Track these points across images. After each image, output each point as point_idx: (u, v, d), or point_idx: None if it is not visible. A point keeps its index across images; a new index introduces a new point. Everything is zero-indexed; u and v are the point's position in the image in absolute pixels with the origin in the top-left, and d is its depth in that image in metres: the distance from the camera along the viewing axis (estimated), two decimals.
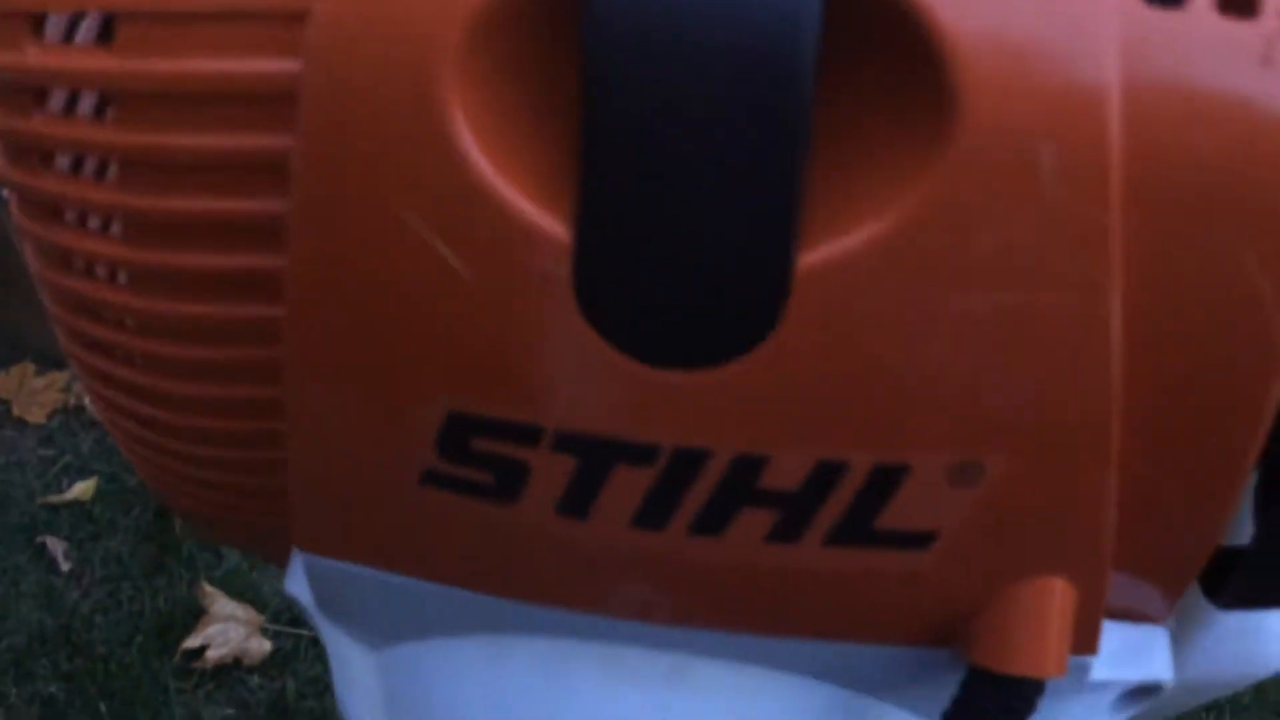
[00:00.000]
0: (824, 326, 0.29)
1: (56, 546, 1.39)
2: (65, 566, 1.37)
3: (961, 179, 0.28)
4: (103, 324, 0.36)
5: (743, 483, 0.32)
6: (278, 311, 0.33)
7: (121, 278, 0.35)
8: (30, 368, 1.55)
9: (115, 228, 0.34)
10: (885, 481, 0.31)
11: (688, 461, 0.32)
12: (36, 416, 1.52)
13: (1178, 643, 0.41)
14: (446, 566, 0.37)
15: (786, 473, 0.32)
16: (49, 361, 1.54)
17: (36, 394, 1.54)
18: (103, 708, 1.23)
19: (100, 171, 0.34)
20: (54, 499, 1.43)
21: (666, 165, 0.28)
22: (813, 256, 0.29)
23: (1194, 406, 0.31)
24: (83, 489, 1.44)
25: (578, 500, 0.33)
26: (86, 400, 1.49)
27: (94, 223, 0.35)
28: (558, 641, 0.38)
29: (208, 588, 1.33)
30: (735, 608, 0.36)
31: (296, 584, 0.41)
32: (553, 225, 0.30)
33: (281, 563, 0.43)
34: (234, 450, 0.37)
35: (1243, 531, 0.37)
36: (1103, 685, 0.38)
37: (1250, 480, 0.34)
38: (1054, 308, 0.29)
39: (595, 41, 0.28)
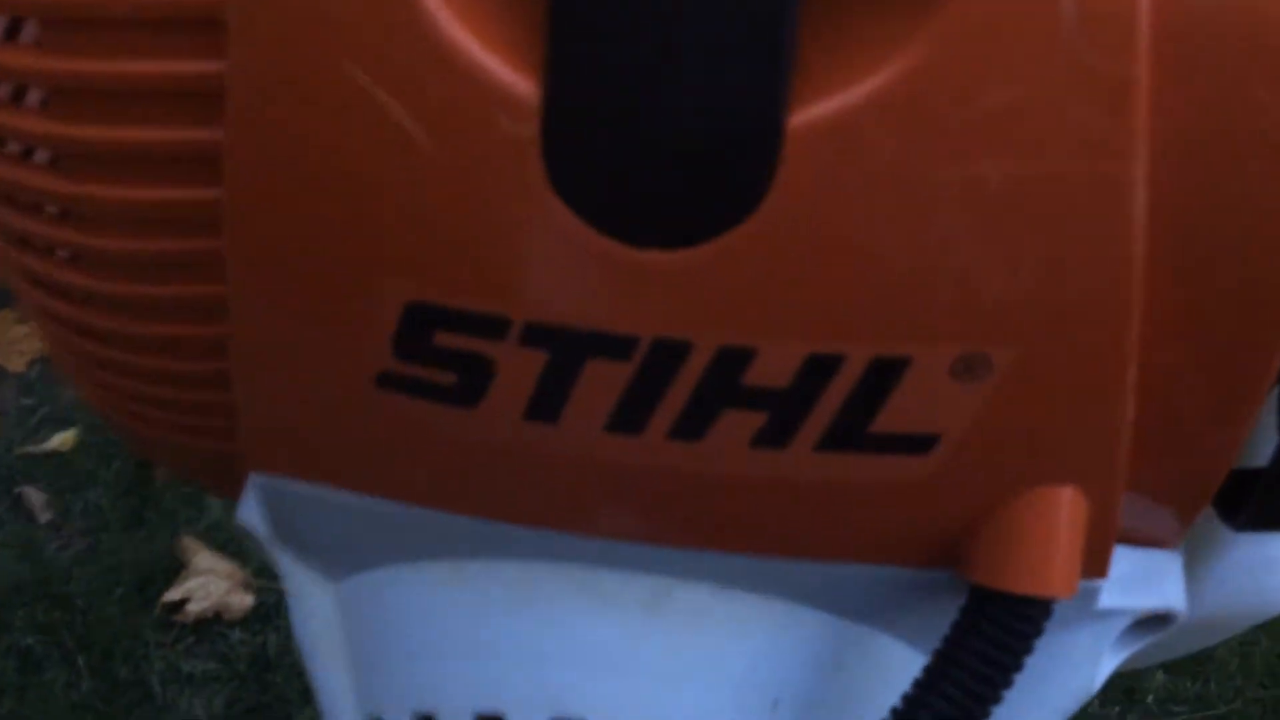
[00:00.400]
0: (818, 196, 0.27)
1: (35, 497, 1.36)
2: (44, 517, 1.35)
3: (971, 25, 0.25)
4: (40, 219, 0.33)
5: (727, 379, 0.29)
6: (220, 195, 0.30)
7: (50, 160, 0.32)
8: (10, 315, 1.53)
9: (46, 100, 0.31)
10: (883, 377, 0.29)
11: (667, 355, 0.29)
12: (16, 365, 1.50)
13: (1188, 576, 0.38)
14: (407, 483, 0.34)
15: (775, 368, 0.29)
16: None
17: (17, 342, 1.51)
18: (81, 660, 1.21)
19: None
20: (33, 449, 1.41)
21: (645, 8, 0.25)
22: (806, 115, 0.26)
23: (1221, 294, 0.28)
24: (63, 439, 1.41)
25: (548, 402, 0.30)
26: None
27: (33, 97, 0.32)
28: (528, 565, 0.35)
29: (189, 541, 1.31)
30: (718, 524, 0.33)
31: (250, 511, 0.38)
32: (519, 82, 0.27)
33: (236, 494, 0.40)
34: (181, 361, 0.34)
35: (1261, 453, 0.34)
36: (1111, 614, 0.35)
37: (1275, 390, 0.32)
38: (1071, 175, 0.26)
39: None
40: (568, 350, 0.29)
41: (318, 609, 0.39)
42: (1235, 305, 0.29)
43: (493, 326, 0.29)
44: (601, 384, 0.29)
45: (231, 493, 0.40)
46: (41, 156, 0.32)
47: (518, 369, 0.30)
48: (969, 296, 0.28)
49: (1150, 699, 1.18)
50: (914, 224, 0.27)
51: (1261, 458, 0.34)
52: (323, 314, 0.31)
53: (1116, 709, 1.17)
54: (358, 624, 0.39)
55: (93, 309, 0.35)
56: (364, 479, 0.34)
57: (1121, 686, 1.18)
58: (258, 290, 0.31)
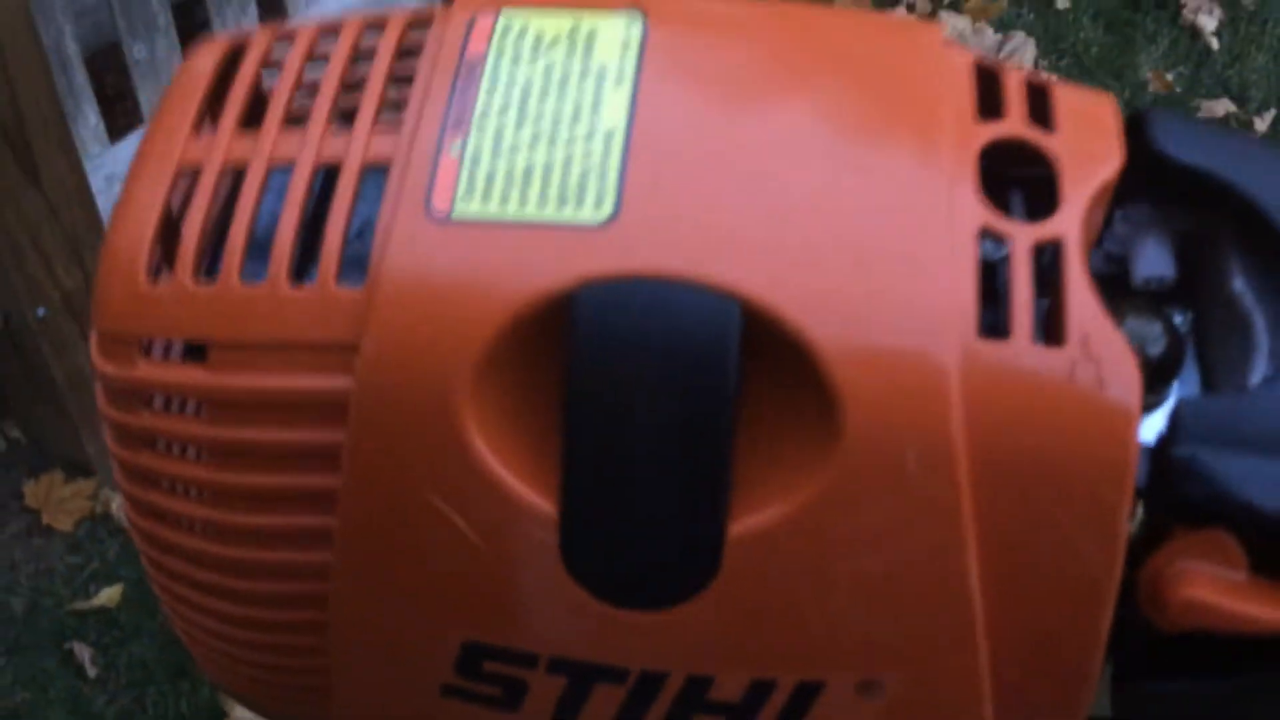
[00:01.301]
0: (749, 579, 0.39)
1: (84, 652, 1.42)
2: (92, 672, 1.41)
3: (848, 473, 0.37)
4: (180, 530, 0.44)
5: (695, 696, 0.41)
6: (330, 521, 0.41)
7: (195, 492, 0.43)
8: (59, 476, 1.60)
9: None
10: (806, 695, 0.40)
11: (651, 681, 0.41)
12: (64, 524, 1.56)
13: None
14: None
15: (728, 689, 0.41)
16: (76, 469, 1.60)
17: (64, 502, 1.58)
18: None
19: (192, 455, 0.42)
20: (82, 605, 1.47)
21: (628, 464, 0.38)
22: (738, 528, 0.39)
23: (1045, 629, 0.40)
24: (109, 595, 1.48)
25: (567, 710, 0.42)
26: (114, 507, 1.54)
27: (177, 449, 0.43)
28: None
29: None
30: None
31: None
32: (543, 504, 0.39)
33: None
34: (283, 635, 0.45)
35: (1102, 704, 0.45)
36: None
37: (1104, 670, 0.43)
38: (924, 566, 0.39)
39: (576, 374, 0.38)
40: (580, 677, 0.41)
41: None
42: (1057, 637, 0.41)
43: (526, 660, 0.41)
44: (605, 699, 0.41)
45: None
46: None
47: (545, 688, 0.42)
48: (863, 641, 0.40)
49: None
50: (820, 597, 0.39)
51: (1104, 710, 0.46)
52: (405, 646, 0.43)
53: None
54: None
55: (218, 597, 0.45)
56: None
57: None
58: (355, 629, 0.43)
